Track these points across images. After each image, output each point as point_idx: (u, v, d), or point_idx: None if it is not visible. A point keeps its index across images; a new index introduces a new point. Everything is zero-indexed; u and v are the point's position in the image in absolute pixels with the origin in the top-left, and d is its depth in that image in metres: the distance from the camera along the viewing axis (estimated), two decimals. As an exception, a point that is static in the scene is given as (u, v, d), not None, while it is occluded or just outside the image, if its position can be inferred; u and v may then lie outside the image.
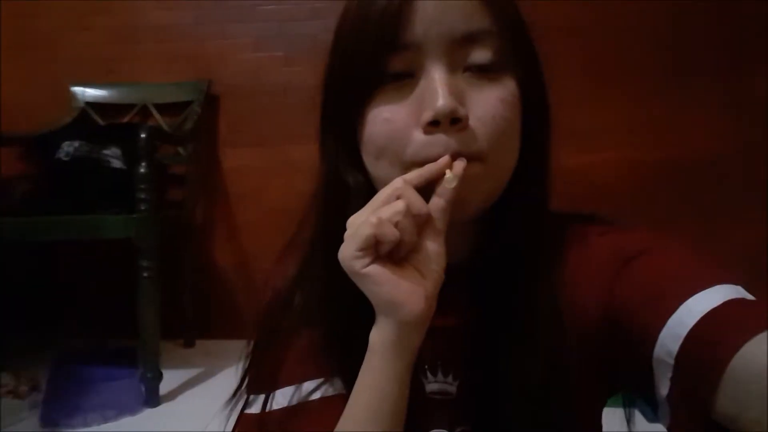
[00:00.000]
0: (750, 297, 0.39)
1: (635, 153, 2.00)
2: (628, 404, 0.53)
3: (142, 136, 1.52)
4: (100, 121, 2.07)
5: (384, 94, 0.45)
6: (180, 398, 1.61)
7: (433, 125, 0.42)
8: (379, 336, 0.43)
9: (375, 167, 0.47)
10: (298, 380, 0.50)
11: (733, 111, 1.96)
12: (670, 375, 0.38)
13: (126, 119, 2.08)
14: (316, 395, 0.49)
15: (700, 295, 0.39)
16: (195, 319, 2.06)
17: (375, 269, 0.41)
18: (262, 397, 0.50)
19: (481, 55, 0.44)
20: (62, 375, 1.63)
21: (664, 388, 0.39)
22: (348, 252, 0.41)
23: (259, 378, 0.52)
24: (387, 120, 0.45)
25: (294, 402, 0.49)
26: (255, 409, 0.50)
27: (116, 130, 1.82)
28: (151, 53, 2.17)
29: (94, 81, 2.14)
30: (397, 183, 0.42)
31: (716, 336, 0.36)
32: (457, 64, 0.44)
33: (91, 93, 2.11)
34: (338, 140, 0.49)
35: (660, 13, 2.00)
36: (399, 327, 0.42)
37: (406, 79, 0.45)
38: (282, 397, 0.50)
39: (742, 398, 0.33)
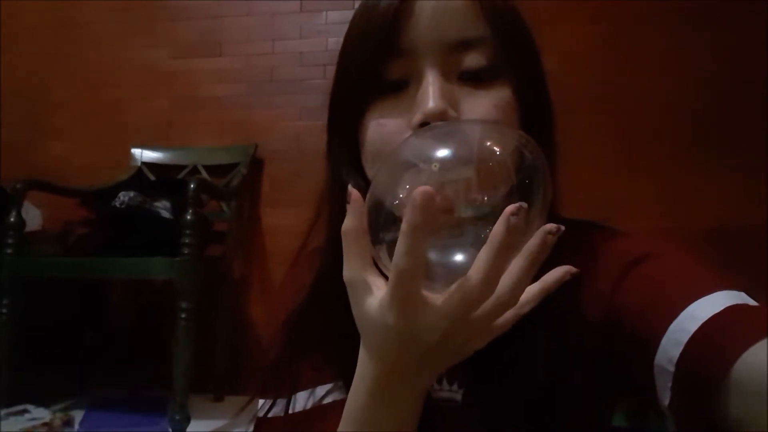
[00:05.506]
0: (753, 302, 0.38)
1: (668, 222, 1.97)
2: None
3: (191, 186, 1.62)
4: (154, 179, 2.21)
5: (381, 101, 0.46)
6: (205, 446, 1.59)
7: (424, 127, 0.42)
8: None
9: (371, 171, 0.47)
10: (312, 385, 0.51)
11: (763, 177, 1.94)
12: (670, 383, 0.37)
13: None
14: (329, 399, 0.50)
15: (702, 301, 0.38)
16: (226, 374, 2.05)
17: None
18: (281, 402, 0.51)
19: (475, 61, 0.44)
20: (95, 419, 1.66)
21: (665, 397, 0.38)
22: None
23: (278, 385, 0.53)
24: (381, 124, 0.45)
25: (309, 406, 0.50)
26: (274, 413, 0.51)
27: (167, 184, 1.95)
28: (205, 120, 2.33)
29: (152, 143, 2.29)
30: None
31: (718, 342, 0.35)
32: (451, 70, 0.44)
33: (147, 154, 2.27)
34: (341, 145, 0.50)
35: (686, 83, 2.06)
36: None
37: (403, 86, 0.46)
38: (297, 402, 0.51)
39: (744, 404, 0.32)
